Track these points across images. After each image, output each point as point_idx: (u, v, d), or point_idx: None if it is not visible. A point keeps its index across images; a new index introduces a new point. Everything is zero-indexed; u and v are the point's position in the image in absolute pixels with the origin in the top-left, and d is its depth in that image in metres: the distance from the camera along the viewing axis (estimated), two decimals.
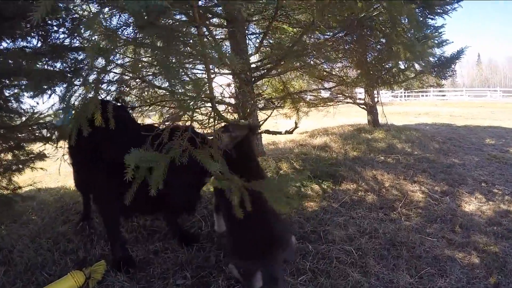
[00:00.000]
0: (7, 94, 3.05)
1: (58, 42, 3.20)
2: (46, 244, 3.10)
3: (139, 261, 2.71)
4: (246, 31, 4.58)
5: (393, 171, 4.67)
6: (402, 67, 4.60)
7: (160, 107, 4.64)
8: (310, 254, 2.66)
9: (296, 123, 3.31)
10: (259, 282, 2.00)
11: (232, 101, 4.60)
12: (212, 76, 2.29)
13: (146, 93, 4.45)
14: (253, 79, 4.24)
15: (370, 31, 3.76)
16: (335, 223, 3.20)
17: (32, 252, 2.98)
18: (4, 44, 2.94)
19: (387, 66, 4.51)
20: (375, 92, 7.96)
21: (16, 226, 3.65)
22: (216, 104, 4.80)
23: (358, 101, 8.28)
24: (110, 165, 2.14)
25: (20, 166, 3.38)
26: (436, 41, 3.71)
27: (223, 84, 4.42)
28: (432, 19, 3.78)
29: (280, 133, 3.72)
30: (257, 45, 4.39)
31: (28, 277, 2.63)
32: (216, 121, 2.56)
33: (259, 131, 4.28)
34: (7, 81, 2.89)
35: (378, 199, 3.81)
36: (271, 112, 4.46)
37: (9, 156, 3.38)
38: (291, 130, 3.40)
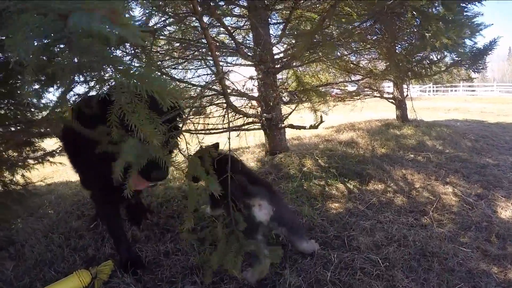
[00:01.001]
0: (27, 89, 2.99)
1: None
2: (57, 239, 3.06)
3: (148, 262, 2.60)
4: (269, 20, 4.37)
5: (424, 170, 4.39)
6: (434, 58, 4.34)
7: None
8: (332, 263, 2.43)
9: (321, 117, 3.13)
10: (265, 209, 2.12)
11: (255, 94, 4.45)
12: (228, 68, 2.12)
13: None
14: (275, 70, 4.04)
15: (398, 18, 3.51)
16: (361, 227, 2.96)
17: (43, 248, 2.95)
18: None
19: (417, 57, 4.26)
20: (405, 85, 7.65)
21: (32, 219, 3.65)
22: (237, 98, 4.69)
23: (386, 95, 8.00)
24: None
25: (32, 162, 3.36)
26: (469, 32, 3.41)
27: (242, 77, 4.26)
28: (465, 7, 3.57)
29: (304, 127, 3.54)
30: (279, 36, 4.18)
31: (36, 273, 2.59)
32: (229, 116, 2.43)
33: (283, 125, 4.10)
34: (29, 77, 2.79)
35: (408, 201, 3.54)
36: (296, 106, 4.26)
37: (15, 153, 3.35)
38: (316, 124, 3.24)
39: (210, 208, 2.89)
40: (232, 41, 3.83)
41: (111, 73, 1.13)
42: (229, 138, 2.17)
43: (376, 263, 2.44)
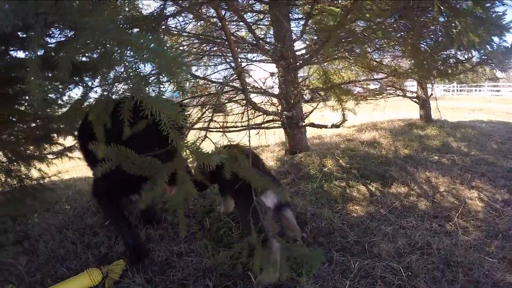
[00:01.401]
0: (49, 87, 3.02)
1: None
2: (72, 236, 3.04)
3: (161, 262, 2.54)
4: (289, 15, 4.26)
5: (448, 173, 4.22)
6: (459, 56, 4.15)
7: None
8: (352, 270, 2.32)
9: (344, 116, 3.02)
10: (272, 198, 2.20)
11: (276, 92, 4.36)
12: (248, 65, 2.05)
13: (188, 83, 4.28)
14: (296, 66, 3.93)
15: (424, 14, 3.36)
16: (383, 233, 2.83)
17: (57, 244, 2.94)
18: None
19: (443, 55, 4.08)
20: (429, 84, 7.43)
21: (48, 215, 3.65)
22: (257, 95, 4.61)
23: (409, 94, 7.80)
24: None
25: (51, 157, 3.45)
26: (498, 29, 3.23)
27: (262, 75, 4.18)
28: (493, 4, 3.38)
29: (326, 126, 3.44)
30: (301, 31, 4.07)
31: (49, 269, 2.57)
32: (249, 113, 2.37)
33: (304, 124, 3.99)
34: (49, 74, 2.85)
35: (432, 206, 3.39)
36: (317, 104, 4.14)
37: (34, 148, 3.43)
38: (337, 123, 3.14)
39: (224, 206, 3.01)
40: (252, 37, 3.74)
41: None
42: (249, 136, 2.14)
43: (398, 272, 2.32)
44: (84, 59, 3.13)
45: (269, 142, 5.73)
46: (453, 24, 3.09)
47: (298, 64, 3.95)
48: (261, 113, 3.78)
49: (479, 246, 2.73)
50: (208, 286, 2.22)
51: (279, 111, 4.11)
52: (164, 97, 1.46)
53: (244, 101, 3.93)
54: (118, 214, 2.61)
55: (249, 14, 4.71)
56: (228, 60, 4.28)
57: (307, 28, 3.98)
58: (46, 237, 3.07)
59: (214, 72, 4.86)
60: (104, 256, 2.67)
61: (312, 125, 3.62)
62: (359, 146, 5.14)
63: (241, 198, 2.15)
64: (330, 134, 6.44)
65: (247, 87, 3.00)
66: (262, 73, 4.19)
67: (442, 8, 3.09)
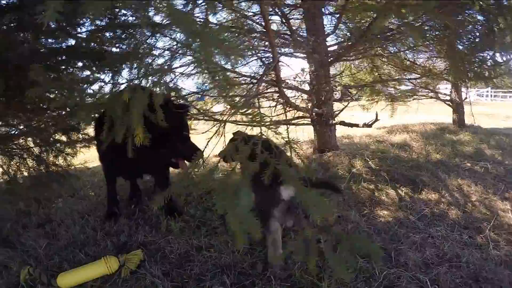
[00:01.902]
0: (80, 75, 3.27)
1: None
2: (93, 222, 3.08)
3: (179, 255, 2.51)
4: (323, 10, 4.15)
5: (481, 182, 4.04)
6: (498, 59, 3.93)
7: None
8: (376, 279, 2.21)
9: (377, 116, 2.95)
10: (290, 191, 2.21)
11: (306, 87, 4.26)
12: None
13: (217, 76, 4.22)
14: (329, 62, 3.82)
15: (463, 11, 3.17)
16: (411, 241, 2.70)
17: (78, 229, 2.97)
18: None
19: (480, 56, 3.85)
20: (463, 88, 7.16)
21: (72, 200, 3.73)
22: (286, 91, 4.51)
23: (442, 96, 7.51)
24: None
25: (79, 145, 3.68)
26: None
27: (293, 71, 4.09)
28: None
29: (357, 125, 3.31)
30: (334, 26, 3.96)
31: (67, 253, 2.60)
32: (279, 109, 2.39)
33: (334, 122, 3.88)
34: (80, 63, 3.03)
35: (463, 216, 3.23)
36: (348, 103, 4.02)
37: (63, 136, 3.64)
38: (370, 123, 3.03)
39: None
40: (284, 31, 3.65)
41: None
42: (287, 130, 2.26)
43: (424, 284, 2.19)
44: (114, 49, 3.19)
45: (297, 139, 5.63)
46: (495, 23, 2.91)
47: (330, 60, 3.84)
48: (290, 109, 3.68)
49: (510, 262, 2.56)
50: (225, 284, 2.17)
51: (310, 107, 4.00)
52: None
53: (275, 95, 3.86)
54: (112, 190, 3.28)
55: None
56: (259, 54, 4.20)
57: (340, 23, 3.87)
58: (67, 222, 3.12)
59: (242, 65, 4.78)
60: (123, 245, 2.67)
61: (343, 123, 3.49)
62: (390, 148, 5.05)
63: (260, 186, 2.12)
64: (360, 134, 6.32)
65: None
66: (292, 69, 4.08)
67: (483, 4, 2.90)
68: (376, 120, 2.95)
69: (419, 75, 5.67)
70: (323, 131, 4.28)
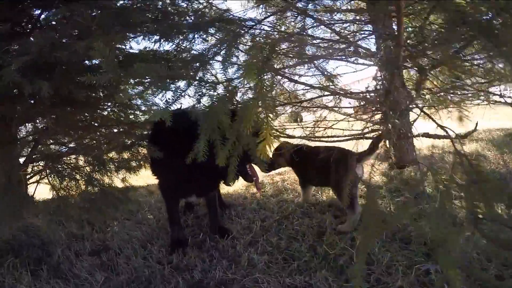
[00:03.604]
0: (131, 93, 3.24)
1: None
2: (157, 253, 2.72)
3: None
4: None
5: None
6: None
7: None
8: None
9: (476, 125, 2.52)
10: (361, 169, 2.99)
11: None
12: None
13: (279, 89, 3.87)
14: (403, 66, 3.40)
15: None
16: None
17: (140, 261, 2.59)
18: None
19: None
20: None
21: (129, 224, 3.42)
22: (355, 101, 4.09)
23: (497, 98, 6.95)
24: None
25: (134, 164, 3.32)
26: None
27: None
28: None
29: (448, 137, 2.84)
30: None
31: None
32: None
33: (414, 134, 3.43)
34: (132, 80, 2.84)
35: None
36: (420, 112, 3.56)
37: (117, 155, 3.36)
38: (465, 134, 2.57)
39: (303, 196, 3.48)
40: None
41: None
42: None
43: None
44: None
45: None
46: None
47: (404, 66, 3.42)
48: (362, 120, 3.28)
49: None
50: None
51: (384, 119, 3.56)
52: None
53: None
54: (176, 213, 2.98)
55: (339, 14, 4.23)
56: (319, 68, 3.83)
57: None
58: (127, 252, 2.77)
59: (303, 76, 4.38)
60: (198, 284, 2.23)
61: (427, 135, 3.04)
62: (464, 159, 4.43)
63: (336, 172, 2.84)
64: (423, 146, 5.78)
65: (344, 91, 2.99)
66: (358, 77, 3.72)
67: None
68: (475, 130, 2.51)
69: (481, 78, 5.18)
70: (401, 144, 3.83)
